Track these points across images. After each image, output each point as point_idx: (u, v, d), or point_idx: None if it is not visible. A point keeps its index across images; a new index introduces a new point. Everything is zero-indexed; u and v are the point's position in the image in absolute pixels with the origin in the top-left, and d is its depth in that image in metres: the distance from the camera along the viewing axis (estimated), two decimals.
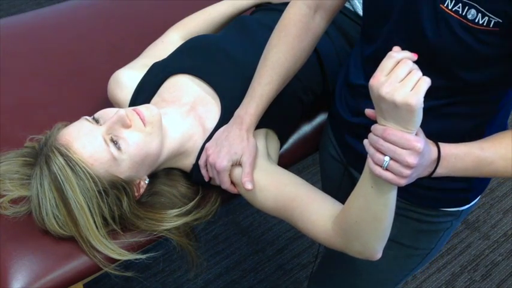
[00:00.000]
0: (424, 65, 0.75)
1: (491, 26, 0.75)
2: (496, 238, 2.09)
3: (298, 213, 0.96)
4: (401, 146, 0.74)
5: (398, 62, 0.72)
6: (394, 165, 0.75)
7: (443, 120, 0.82)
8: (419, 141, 0.74)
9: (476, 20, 0.75)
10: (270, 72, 1.00)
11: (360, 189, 0.85)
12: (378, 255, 0.90)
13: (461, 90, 0.86)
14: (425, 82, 0.70)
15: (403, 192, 0.89)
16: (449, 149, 0.81)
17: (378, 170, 0.77)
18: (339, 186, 1.15)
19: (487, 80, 0.83)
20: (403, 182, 0.76)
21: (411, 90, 0.70)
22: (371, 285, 1.18)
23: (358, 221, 0.86)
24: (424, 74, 0.72)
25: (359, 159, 0.87)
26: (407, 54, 0.73)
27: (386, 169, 0.76)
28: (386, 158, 0.75)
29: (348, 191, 0.90)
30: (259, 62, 1.02)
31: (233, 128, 1.02)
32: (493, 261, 2.01)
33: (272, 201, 0.99)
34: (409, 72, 0.71)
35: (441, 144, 0.81)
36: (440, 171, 0.82)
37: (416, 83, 0.70)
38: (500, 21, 0.74)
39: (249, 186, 0.99)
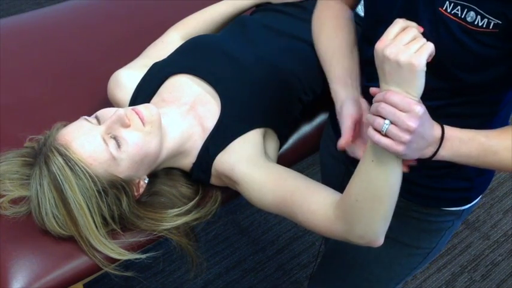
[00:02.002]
0: None
1: (490, 27, 0.75)
2: (496, 238, 2.09)
3: (298, 205, 0.95)
4: (401, 109, 0.74)
5: (404, 29, 0.75)
6: (394, 129, 0.75)
7: (443, 120, 0.82)
8: (420, 105, 0.75)
9: (476, 22, 0.75)
10: (340, 59, 1.01)
11: (361, 166, 0.85)
12: (380, 240, 0.89)
13: (461, 91, 0.86)
14: (429, 47, 0.73)
15: (405, 192, 0.88)
16: (453, 132, 0.81)
17: (377, 136, 0.77)
18: (340, 186, 1.15)
19: (487, 81, 0.83)
20: (401, 148, 0.76)
21: (415, 52, 0.73)
22: (372, 284, 1.18)
23: (359, 199, 0.85)
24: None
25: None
26: (413, 23, 0.76)
27: (386, 135, 0.76)
28: (387, 121, 0.76)
29: None
30: (325, 63, 1.04)
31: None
32: (493, 261, 2.01)
33: (271, 196, 0.99)
34: (414, 39, 0.74)
35: (446, 126, 0.81)
36: (443, 154, 0.81)
37: (420, 48, 0.73)
38: (500, 22, 0.74)
39: None
